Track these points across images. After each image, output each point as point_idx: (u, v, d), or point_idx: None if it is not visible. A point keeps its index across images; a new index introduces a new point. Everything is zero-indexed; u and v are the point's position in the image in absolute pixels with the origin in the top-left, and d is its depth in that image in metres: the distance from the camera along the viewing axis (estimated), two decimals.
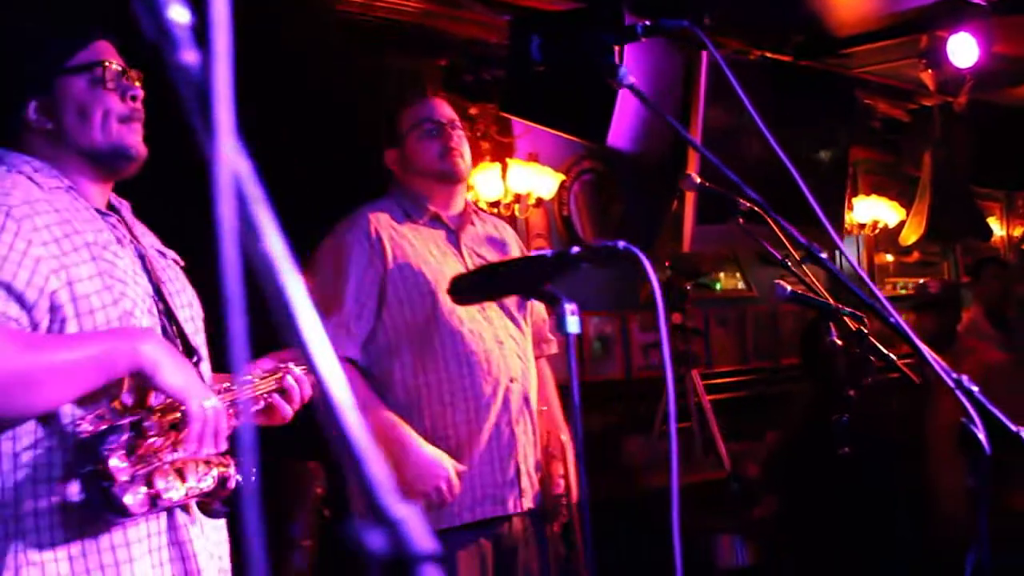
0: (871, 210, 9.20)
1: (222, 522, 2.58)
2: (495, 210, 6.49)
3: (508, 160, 6.67)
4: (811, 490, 5.90)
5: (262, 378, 2.59)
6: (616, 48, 2.29)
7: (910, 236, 9.10)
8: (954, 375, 2.65)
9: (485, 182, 6.52)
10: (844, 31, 7.61)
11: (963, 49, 7.38)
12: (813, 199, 2.33)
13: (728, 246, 7.92)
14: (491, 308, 3.63)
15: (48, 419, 2.26)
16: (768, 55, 7.69)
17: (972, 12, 6.93)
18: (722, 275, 8.69)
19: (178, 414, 2.28)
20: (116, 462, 2.16)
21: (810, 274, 3.42)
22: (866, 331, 3.27)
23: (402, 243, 3.66)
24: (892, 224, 9.30)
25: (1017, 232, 11.18)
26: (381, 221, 3.69)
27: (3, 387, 2.13)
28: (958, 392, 2.60)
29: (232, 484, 2.42)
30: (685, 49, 7.07)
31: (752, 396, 8.31)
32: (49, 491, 2.24)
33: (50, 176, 2.43)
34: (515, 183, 6.61)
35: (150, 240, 2.69)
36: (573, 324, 1.94)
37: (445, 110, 3.88)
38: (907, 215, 9.24)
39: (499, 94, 6.00)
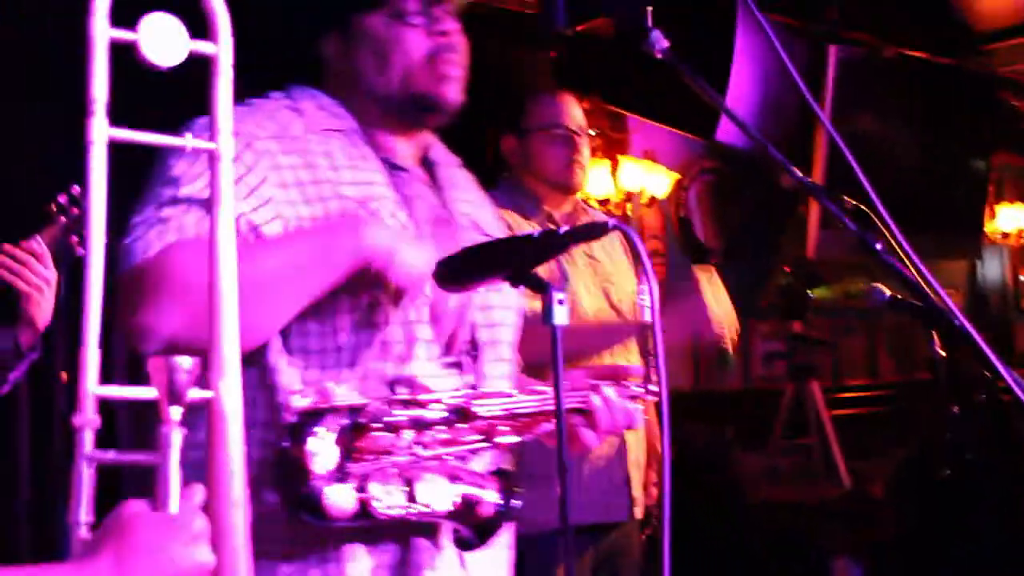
0: (1016, 219, 8.74)
1: (498, 555, 2.15)
2: (604, 208, 6.21)
3: (619, 156, 6.39)
4: (922, 513, 5.53)
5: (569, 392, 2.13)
6: (646, 8, 2.00)
7: None
8: None
9: (594, 179, 6.25)
10: (984, 25, 7.19)
11: None
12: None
13: (859, 252, 7.53)
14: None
15: (263, 390, 1.93)
16: (904, 52, 7.29)
17: None
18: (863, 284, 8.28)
19: (443, 411, 1.90)
20: (320, 448, 1.76)
21: (923, 281, 3.20)
22: (978, 344, 2.97)
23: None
24: None
25: None
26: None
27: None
28: None
29: (486, 510, 1.97)
30: (810, 43, 6.72)
31: (883, 412, 7.92)
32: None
33: (333, 115, 2.14)
34: (626, 181, 6.34)
35: (472, 209, 2.28)
36: (560, 315, 1.63)
37: (577, 114, 3.69)
38: None
39: (604, 84, 5.74)
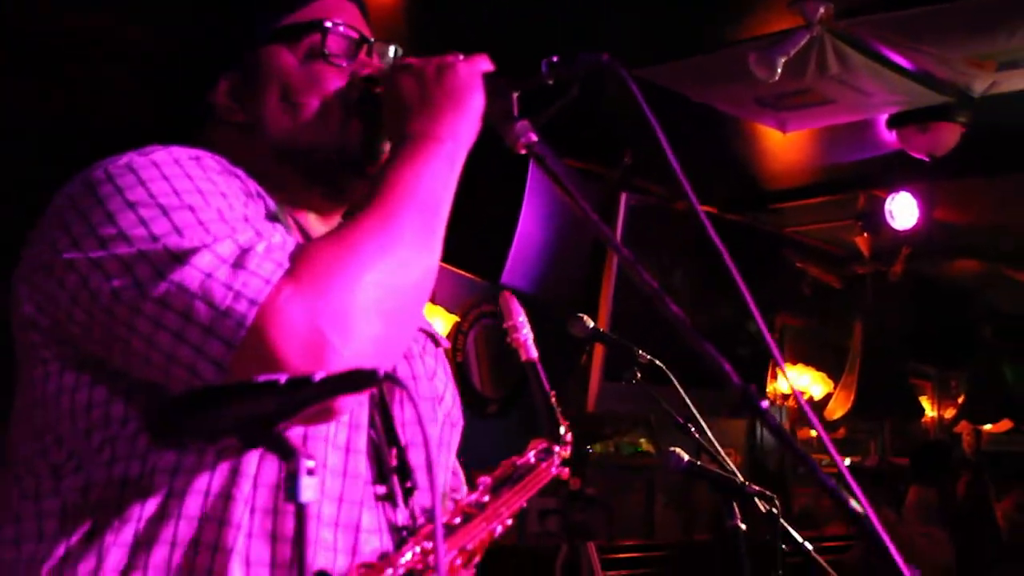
0: (796, 380, 8.68)
1: None
2: None
3: None
4: None
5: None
6: (514, 95, 1.59)
7: (836, 410, 8.58)
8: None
9: None
10: (774, 184, 7.09)
11: (902, 211, 6.90)
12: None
13: (640, 406, 7.31)
14: None
15: None
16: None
17: (914, 171, 6.39)
18: (643, 439, 8.07)
19: None
20: None
21: (716, 443, 3.11)
22: (778, 514, 2.76)
23: None
24: (818, 396, 8.77)
25: (948, 414, 10.65)
26: None
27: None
28: None
29: None
30: (603, 189, 6.51)
31: (659, 573, 7.64)
32: None
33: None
34: None
35: None
36: (308, 490, 1.14)
37: None
38: (834, 388, 8.71)
39: None
